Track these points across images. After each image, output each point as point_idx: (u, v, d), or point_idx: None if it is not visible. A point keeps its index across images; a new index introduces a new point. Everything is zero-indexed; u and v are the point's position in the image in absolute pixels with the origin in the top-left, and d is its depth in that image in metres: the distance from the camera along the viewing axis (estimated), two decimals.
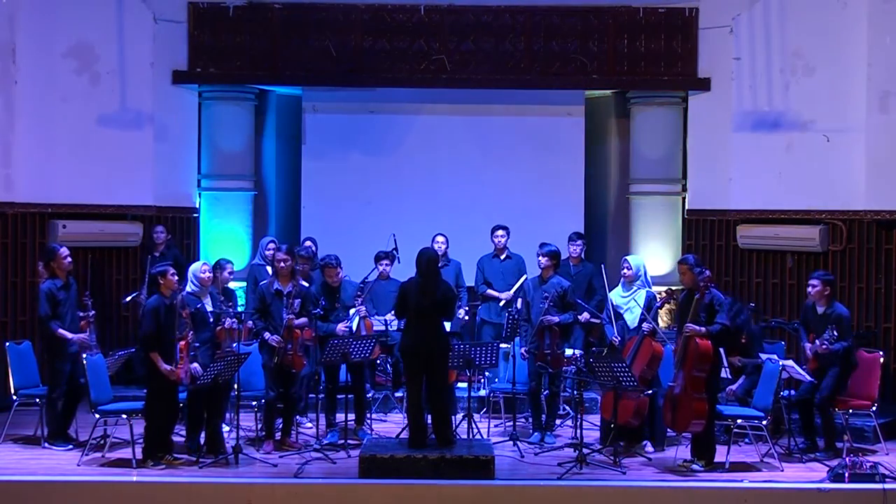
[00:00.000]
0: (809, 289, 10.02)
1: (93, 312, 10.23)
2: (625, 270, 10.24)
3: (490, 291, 11.71)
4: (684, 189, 13.20)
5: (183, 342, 9.25)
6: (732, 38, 12.58)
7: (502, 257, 11.77)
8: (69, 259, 10.20)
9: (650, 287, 10.29)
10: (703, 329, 9.18)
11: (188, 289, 9.87)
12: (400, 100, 13.42)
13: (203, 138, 13.22)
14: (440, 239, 11.74)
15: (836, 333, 9.58)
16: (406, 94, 13.39)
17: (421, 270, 9.41)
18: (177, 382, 9.31)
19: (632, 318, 10.08)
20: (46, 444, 10.01)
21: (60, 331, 10.01)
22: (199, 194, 13.21)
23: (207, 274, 9.95)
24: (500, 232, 11.71)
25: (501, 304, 11.62)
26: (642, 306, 9.98)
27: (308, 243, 11.85)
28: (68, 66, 12.21)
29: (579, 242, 11.74)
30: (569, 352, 10.50)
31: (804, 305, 10.23)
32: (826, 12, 11.83)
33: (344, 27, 12.99)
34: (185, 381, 9.36)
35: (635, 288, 10.17)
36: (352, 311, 10.41)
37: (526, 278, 11.03)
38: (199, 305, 9.71)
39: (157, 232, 12.25)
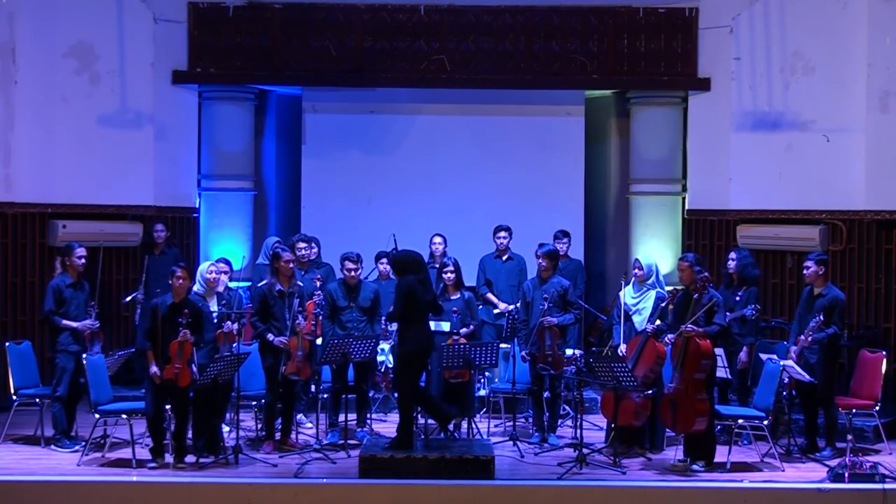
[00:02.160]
0: (805, 271, 10.03)
1: (97, 323, 10.20)
2: (636, 271, 10.17)
3: (489, 296, 11.66)
4: (684, 189, 13.20)
5: (174, 343, 9.25)
6: (732, 38, 12.57)
7: (504, 258, 11.75)
8: (82, 260, 10.18)
9: (663, 288, 10.20)
10: (702, 330, 9.19)
11: (195, 289, 9.90)
12: (400, 100, 13.43)
13: (203, 138, 13.22)
14: (437, 240, 11.71)
15: (821, 318, 9.58)
16: (406, 94, 13.40)
17: (418, 270, 9.46)
18: (174, 384, 9.31)
19: (640, 320, 10.03)
20: (54, 447, 9.97)
21: (65, 322, 10.00)
22: (199, 194, 13.20)
23: (214, 275, 9.93)
24: (502, 233, 11.68)
25: (496, 311, 11.57)
26: (652, 308, 9.95)
27: (302, 245, 11.60)
28: (68, 66, 12.20)
29: (565, 240, 11.82)
30: (569, 352, 10.49)
31: (800, 297, 10.22)
32: (826, 12, 11.83)
33: (344, 27, 12.99)
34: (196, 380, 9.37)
35: (646, 289, 10.11)
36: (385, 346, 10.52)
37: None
38: (199, 305, 9.70)
39: (157, 231, 12.18)
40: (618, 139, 13.90)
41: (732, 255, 10.78)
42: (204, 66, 12.99)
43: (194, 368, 9.40)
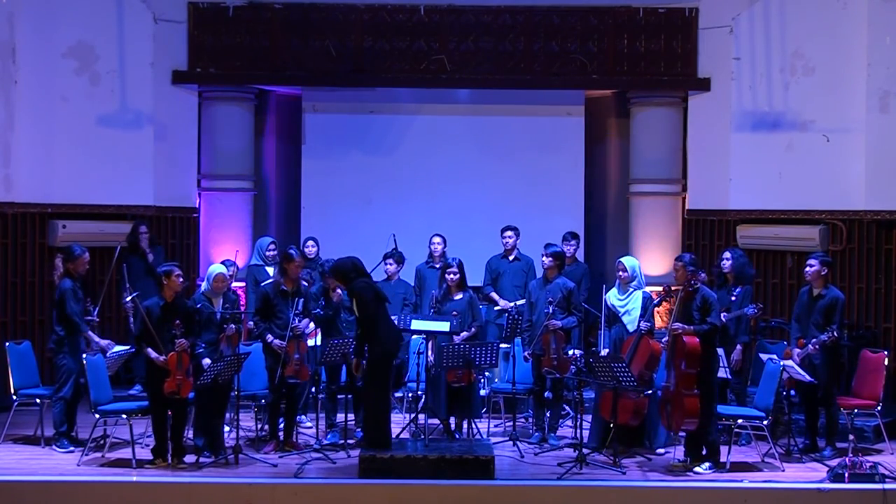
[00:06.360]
0: (807, 268, 9.95)
1: (96, 319, 10.24)
2: (620, 273, 10.17)
3: (493, 295, 11.62)
4: (684, 189, 13.21)
5: (173, 355, 9.22)
6: (732, 38, 12.58)
7: (511, 258, 11.69)
8: (87, 266, 10.22)
9: (644, 287, 10.22)
10: (690, 327, 9.19)
11: (202, 288, 9.92)
12: (400, 100, 13.43)
13: (203, 138, 13.22)
14: (437, 240, 11.70)
15: (835, 332, 9.59)
16: (406, 94, 13.40)
17: (364, 271, 9.47)
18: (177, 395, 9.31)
19: (630, 320, 10.03)
20: (55, 447, 9.95)
21: (89, 332, 10.02)
22: (199, 194, 13.20)
23: (224, 282, 9.90)
24: (508, 233, 11.60)
25: (497, 308, 11.54)
26: (640, 308, 9.95)
27: (311, 243, 11.90)
28: (68, 66, 12.20)
29: (573, 242, 11.80)
30: (569, 352, 10.48)
31: (798, 297, 10.19)
32: (826, 12, 11.84)
33: (344, 27, 13.00)
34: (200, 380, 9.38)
35: (631, 290, 10.12)
36: None
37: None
38: (199, 305, 9.71)
39: (141, 232, 11.82)
40: (618, 139, 13.90)
41: (727, 254, 10.71)
42: (204, 66, 12.99)
43: (205, 361, 9.43)
